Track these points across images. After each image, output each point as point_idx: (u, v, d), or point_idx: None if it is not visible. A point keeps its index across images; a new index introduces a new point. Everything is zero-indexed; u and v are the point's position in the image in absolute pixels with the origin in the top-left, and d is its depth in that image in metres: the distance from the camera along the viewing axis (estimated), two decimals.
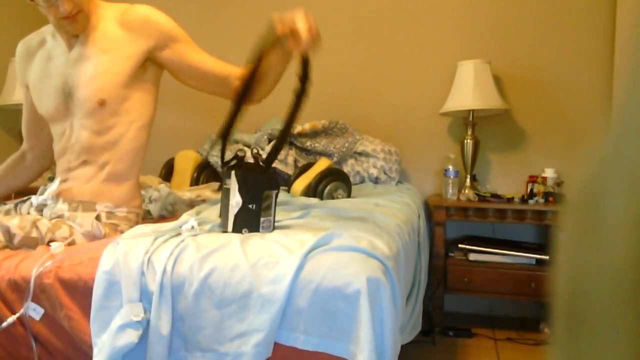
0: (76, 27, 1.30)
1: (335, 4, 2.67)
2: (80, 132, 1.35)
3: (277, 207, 1.42)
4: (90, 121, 1.34)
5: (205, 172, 2.37)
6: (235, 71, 1.41)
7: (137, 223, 1.42)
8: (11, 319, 1.01)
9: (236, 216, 1.14)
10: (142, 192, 1.58)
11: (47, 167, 1.61)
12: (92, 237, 1.27)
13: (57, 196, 1.35)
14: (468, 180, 2.35)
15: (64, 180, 1.38)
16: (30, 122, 1.54)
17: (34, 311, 1.02)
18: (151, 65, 1.41)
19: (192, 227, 1.13)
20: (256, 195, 1.15)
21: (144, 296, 0.97)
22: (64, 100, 1.36)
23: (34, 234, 1.18)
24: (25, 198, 1.44)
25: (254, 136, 2.49)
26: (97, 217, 1.31)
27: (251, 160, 1.22)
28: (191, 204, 1.62)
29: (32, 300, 1.02)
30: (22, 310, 1.01)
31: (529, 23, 2.43)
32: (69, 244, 1.22)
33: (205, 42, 2.61)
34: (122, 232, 1.34)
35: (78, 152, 1.36)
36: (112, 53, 1.33)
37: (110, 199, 1.36)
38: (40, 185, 1.48)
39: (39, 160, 1.58)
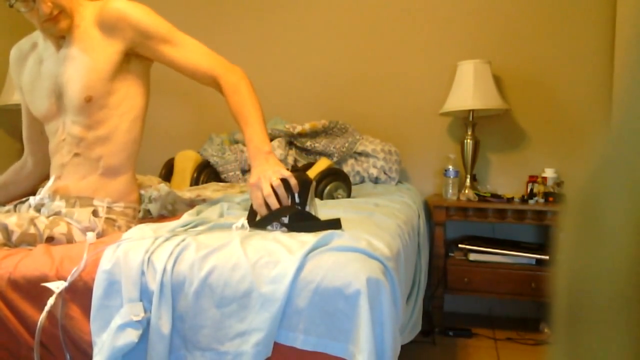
0: (60, 27, 1.30)
1: (335, 3, 2.67)
2: (71, 127, 1.36)
3: None
4: (80, 117, 1.35)
5: (205, 172, 2.37)
6: (217, 69, 1.38)
7: (134, 218, 1.43)
8: (52, 298, 0.99)
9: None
10: (142, 192, 1.58)
11: (48, 174, 1.60)
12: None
13: (53, 194, 1.36)
14: (468, 180, 2.35)
15: (58, 177, 1.38)
16: (29, 127, 1.55)
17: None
18: (135, 58, 1.40)
19: (242, 225, 1.14)
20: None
21: (144, 295, 0.97)
22: (55, 100, 1.37)
23: (32, 230, 1.18)
24: (23, 199, 1.45)
25: None
26: (94, 213, 1.32)
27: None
28: (191, 204, 1.62)
29: (33, 300, 1.02)
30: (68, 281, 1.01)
31: (529, 23, 2.43)
32: (67, 241, 1.22)
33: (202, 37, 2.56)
34: (119, 227, 1.34)
35: (70, 145, 1.36)
36: (93, 52, 1.34)
37: (108, 193, 1.36)
38: (40, 188, 1.48)
39: (41, 164, 1.58)
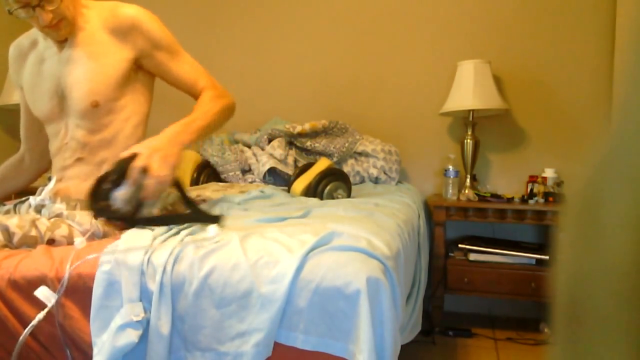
0: (60, 34, 1.30)
1: (335, 4, 2.67)
2: (75, 131, 1.36)
3: (277, 207, 1.43)
4: (85, 121, 1.35)
5: (205, 172, 2.37)
6: (201, 88, 1.43)
7: None
8: (41, 314, 0.99)
9: None
10: None
11: (45, 168, 1.60)
12: (91, 235, 1.27)
13: (54, 195, 1.35)
14: (468, 180, 2.35)
15: (59, 179, 1.38)
16: (28, 124, 1.55)
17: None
18: (143, 70, 1.43)
19: (216, 234, 1.11)
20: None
21: (144, 296, 0.97)
22: (58, 102, 1.36)
23: (33, 232, 1.18)
24: (24, 199, 1.45)
25: (254, 136, 2.49)
26: None
27: None
28: None
29: (33, 300, 1.02)
30: (51, 304, 1.01)
31: (529, 23, 2.43)
32: (68, 244, 1.22)
33: (197, 46, 2.59)
34: (121, 229, 1.34)
35: (73, 149, 1.36)
36: (102, 57, 1.33)
37: None
38: (39, 186, 1.48)
39: (38, 161, 1.58)
